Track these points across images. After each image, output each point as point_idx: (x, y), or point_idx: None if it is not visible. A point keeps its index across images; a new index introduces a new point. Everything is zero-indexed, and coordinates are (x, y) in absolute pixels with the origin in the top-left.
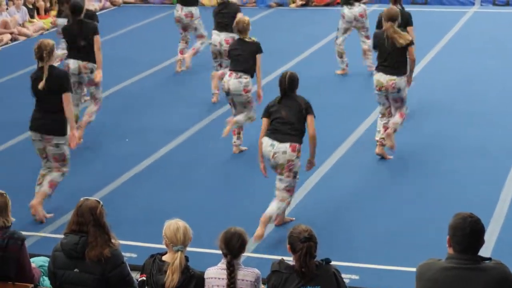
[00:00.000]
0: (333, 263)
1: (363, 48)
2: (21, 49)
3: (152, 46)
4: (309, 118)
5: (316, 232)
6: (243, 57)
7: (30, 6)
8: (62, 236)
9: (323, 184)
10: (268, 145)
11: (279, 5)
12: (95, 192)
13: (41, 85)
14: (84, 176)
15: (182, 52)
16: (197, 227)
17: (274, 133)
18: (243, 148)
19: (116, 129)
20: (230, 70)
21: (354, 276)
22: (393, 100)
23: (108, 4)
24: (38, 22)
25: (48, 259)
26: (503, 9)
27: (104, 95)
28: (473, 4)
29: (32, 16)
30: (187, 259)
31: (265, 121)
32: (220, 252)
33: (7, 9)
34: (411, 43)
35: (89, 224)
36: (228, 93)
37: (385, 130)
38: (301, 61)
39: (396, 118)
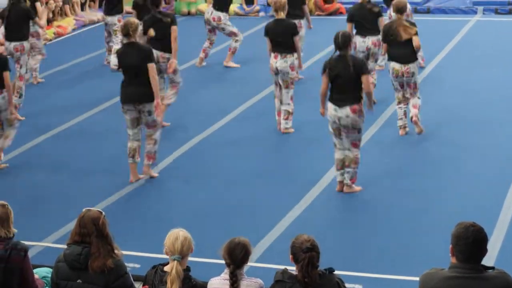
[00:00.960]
0: (336, 272)
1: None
2: None
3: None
4: (363, 78)
5: (319, 241)
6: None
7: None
8: (65, 246)
9: (326, 194)
10: (332, 109)
11: None
12: (99, 201)
13: (130, 60)
14: (86, 186)
15: (204, 51)
16: (201, 237)
17: (335, 99)
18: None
19: (117, 137)
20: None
21: (357, 286)
22: (408, 85)
23: None
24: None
25: (51, 270)
26: (506, 18)
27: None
28: (475, 13)
29: None
30: (188, 269)
31: (324, 78)
32: (223, 262)
33: None
34: (415, 34)
35: (92, 235)
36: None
37: (405, 115)
38: (304, 70)
39: (415, 105)
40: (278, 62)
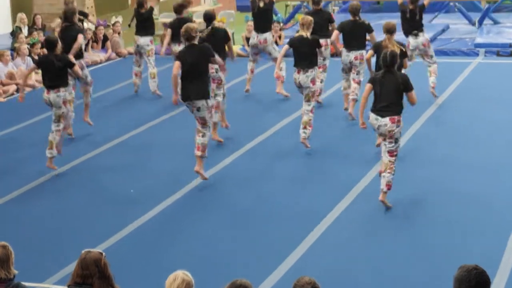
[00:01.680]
0: None
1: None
2: (26, 99)
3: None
4: (409, 95)
5: (321, 283)
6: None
7: (36, 57)
8: None
9: (330, 234)
10: (374, 118)
11: None
12: (101, 242)
13: (190, 59)
14: (89, 225)
15: (252, 71)
16: (203, 278)
17: (377, 109)
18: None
19: (125, 172)
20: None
21: None
22: None
23: (113, 55)
24: None
25: None
26: (507, 60)
27: (116, 142)
28: (477, 55)
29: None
30: None
31: (368, 86)
32: None
33: (12, 59)
34: (403, 54)
35: (94, 276)
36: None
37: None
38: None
39: None
40: (300, 77)
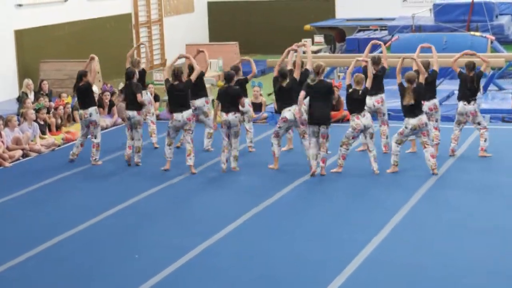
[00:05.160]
0: None
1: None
2: (32, 165)
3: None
4: None
5: None
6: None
7: (42, 123)
8: None
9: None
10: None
11: None
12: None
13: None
14: None
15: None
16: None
17: None
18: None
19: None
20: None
21: None
22: (422, 133)
23: (120, 120)
24: (50, 139)
25: None
26: None
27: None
28: None
29: (43, 133)
30: None
31: None
32: None
33: (18, 124)
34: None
35: None
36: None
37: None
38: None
39: (433, 154)
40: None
